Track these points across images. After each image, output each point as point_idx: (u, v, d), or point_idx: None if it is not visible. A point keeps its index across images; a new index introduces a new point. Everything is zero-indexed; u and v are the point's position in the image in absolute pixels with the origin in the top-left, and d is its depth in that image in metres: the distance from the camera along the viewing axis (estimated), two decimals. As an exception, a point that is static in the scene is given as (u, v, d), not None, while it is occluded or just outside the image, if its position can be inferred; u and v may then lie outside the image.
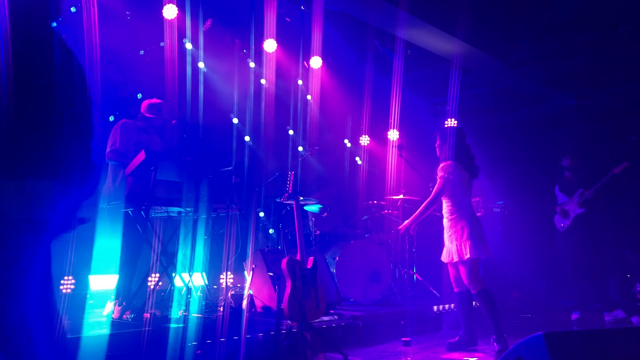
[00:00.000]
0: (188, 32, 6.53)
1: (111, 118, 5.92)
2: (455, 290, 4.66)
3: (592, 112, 7.93)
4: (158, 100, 4.80)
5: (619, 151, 6.18)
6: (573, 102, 8.09)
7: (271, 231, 7.20)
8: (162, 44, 6.24)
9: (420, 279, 6.67)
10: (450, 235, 4.55)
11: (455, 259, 4.45)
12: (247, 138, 7.43)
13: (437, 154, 4.82)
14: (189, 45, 6.63)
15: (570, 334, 2.36)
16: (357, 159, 8.76)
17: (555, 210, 6.31)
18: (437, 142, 4.80)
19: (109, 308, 4.42)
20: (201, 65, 6.81)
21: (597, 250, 6.11)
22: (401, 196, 6.67)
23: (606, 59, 7.14)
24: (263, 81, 7.39)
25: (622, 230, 6.91)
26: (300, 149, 7.95)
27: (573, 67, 7.45)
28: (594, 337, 2.36)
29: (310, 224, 6.67)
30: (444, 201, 4.66)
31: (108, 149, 4.51)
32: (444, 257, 4.63)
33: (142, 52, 6.35)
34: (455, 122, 7.87)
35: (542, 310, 6.34)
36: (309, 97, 8.06)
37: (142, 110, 4.73)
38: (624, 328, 2.65)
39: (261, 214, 7.25)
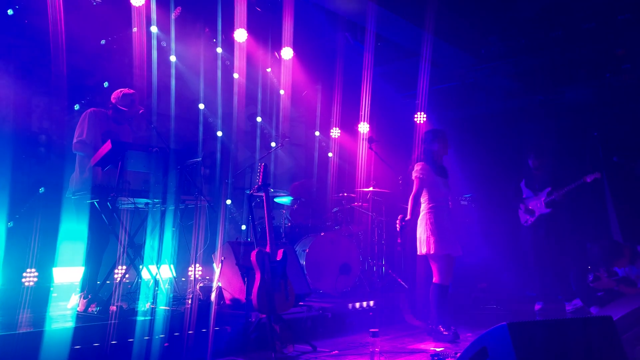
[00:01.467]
0: (154, 16, 6.37)
1: (76, 107, 5.77)
2: (438, 282, 4.64)
3: (557, 107, 8.11)
4: (131, 91, 4.62)
5: (583, 146, 6.33)
6: (540, 97, 8.26)
7: (233, 207, 7.18)
8: (134, 29, 6.09)
9: (389, 270, 6.75)
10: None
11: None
12: (219, 133, 7.35)
13: (420, 151, 4.85)
14: (154, 28, 6.48)
15: (532, 323, 2.45)
16: (330, 154, 8.72)
17: (519, 205, 6.42)
18: (437, 144, 4.76)
19: (74, 301, 4.34)
20: (173, 59, 6.70)
21: (560, 243, 6.27)
22: (371, 188, 6.72)
23: (571, 56, 7.31)
24: (235, 75, 7.30)
25: (584, 224, 7.11)
26: (273, 144, 7.89)
27: (540, 63, 7.60)
28: (554, 326, 2.45)
29: (282, 216, 6.65)
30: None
31: (75, 140, 4.36)
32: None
33: (103, 41, 6.16)
34: (425, 115, 7.95)
35: (507, 301, 6.48)
36: (281, 91, 8.02)
37: (114, 101, 4.54)
38: (582, 318, 2.75)
39: (228, 202, 7.17)
